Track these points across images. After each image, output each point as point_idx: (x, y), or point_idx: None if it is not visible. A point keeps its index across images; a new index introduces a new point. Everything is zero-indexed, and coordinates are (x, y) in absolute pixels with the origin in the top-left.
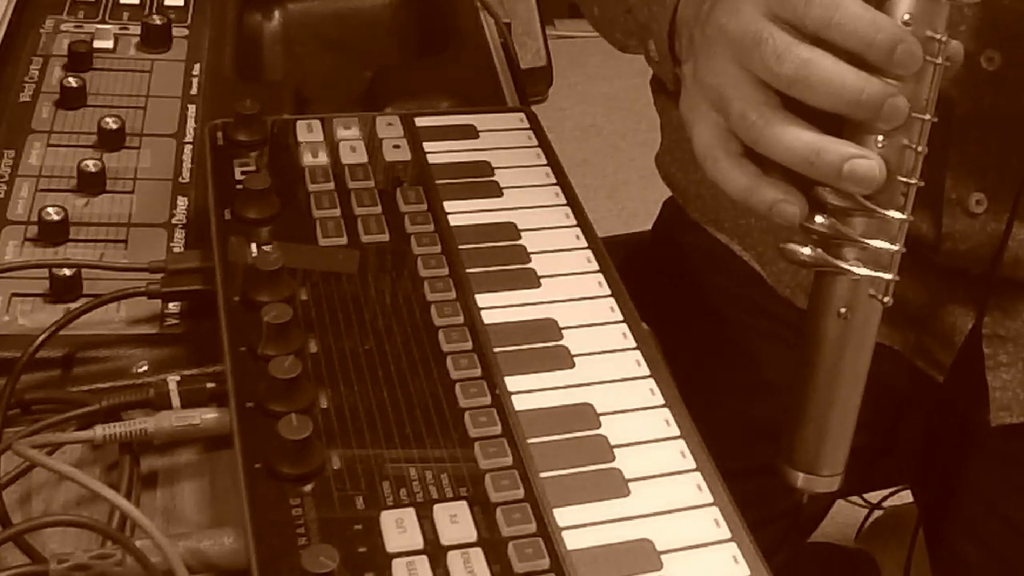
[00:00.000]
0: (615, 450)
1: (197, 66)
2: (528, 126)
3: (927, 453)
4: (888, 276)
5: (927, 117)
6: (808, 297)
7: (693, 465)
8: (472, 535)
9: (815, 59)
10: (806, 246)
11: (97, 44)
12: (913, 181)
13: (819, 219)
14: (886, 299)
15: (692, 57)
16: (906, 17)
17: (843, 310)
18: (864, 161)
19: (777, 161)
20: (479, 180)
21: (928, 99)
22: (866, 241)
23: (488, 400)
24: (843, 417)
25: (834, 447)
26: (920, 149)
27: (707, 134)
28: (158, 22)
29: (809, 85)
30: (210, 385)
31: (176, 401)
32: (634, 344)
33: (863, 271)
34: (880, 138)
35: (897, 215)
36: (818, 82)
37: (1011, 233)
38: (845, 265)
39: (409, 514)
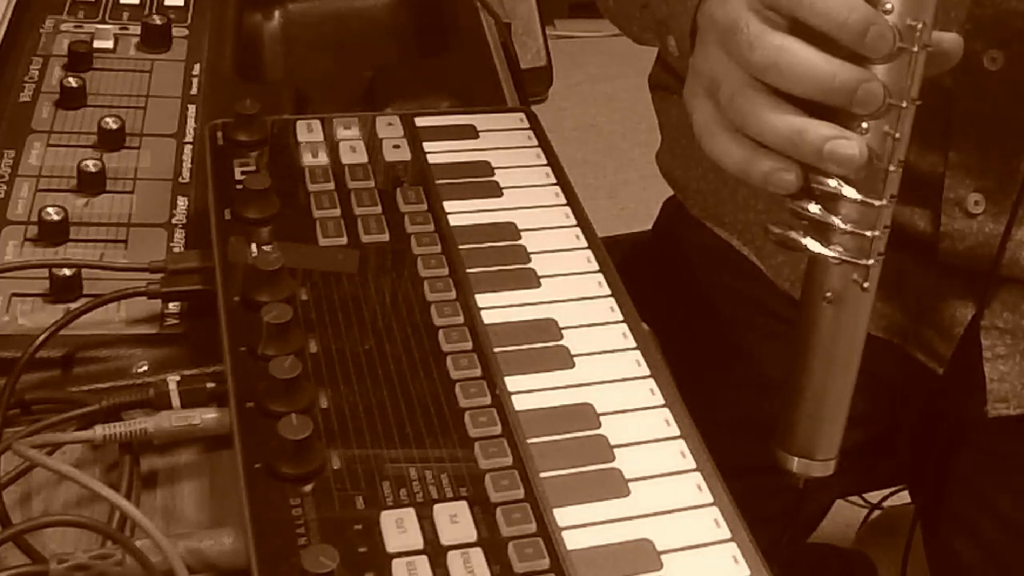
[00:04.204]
0: (615, 450)
1: (197, 66)
2: (528, 126)
3: (923, 448)
4: (862, 261)
5: (904, 105)
6: None
7: (693, 465)
8: (472, 535)
9: (786, 46)
10: (780, 228)
11: (97, 44)
12: (892, 168)
13: (802, 203)
14: (866, 284)
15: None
16: (888, 6)
17: (828, 294)
18: (845, 142)
19: (764, 143)
20: (479, 180)
21: (908, 87)
22: (843, 225)
23: (488, 400)
24: (836, 401)
25: (829, 431)
26: (898, 136)
27: (704, 114)
28: (158, 22)
29: (780, 72)
30: (210, 385)
31: (176, 401)
32: (634, 344)
33: (824, 251)
34: (864, 126)
35: (876, 201)
36: (788, 69)
37: (1009, 235)
38: (819, 248)
39: (409, 514)
